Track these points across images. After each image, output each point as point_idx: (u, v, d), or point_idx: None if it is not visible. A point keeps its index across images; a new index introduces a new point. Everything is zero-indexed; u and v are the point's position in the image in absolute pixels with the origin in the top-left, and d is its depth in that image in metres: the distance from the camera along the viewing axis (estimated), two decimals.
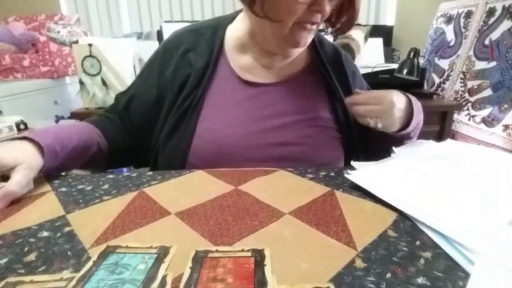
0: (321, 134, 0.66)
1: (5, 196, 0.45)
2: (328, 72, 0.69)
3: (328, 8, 0.54)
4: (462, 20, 1.69)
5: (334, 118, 0.68)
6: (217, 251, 0.35)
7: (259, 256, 0.33)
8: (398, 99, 0.60)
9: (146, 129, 0.69)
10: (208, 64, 0.65)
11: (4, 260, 0.34)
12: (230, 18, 0.70)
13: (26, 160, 0.48)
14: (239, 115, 0.64)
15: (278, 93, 0.66)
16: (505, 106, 1.38)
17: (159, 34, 1.93)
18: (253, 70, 0.67)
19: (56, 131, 0.58)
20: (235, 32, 0.68)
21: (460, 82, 1.63)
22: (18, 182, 0.46)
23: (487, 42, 1.51)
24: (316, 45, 0.70)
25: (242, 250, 0.34)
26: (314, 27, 0.59)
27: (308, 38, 0.60)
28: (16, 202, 0.47)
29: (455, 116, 1.59)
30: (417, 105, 0.64)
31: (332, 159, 0.67)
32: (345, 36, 1.52)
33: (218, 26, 0.69)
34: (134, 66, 1.56)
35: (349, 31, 0.64)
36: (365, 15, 2.50)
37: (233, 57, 0.67)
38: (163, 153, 0.65)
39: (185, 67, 0.66)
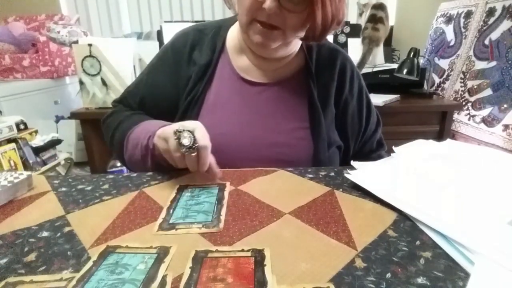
0: (309, 136, 0.65)
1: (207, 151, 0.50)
2: (312, 76, 0.68)
3: (271, 4, 0.52)
4: (462, 20, 1.69)
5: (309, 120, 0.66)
6: (217, 251, 0.35)
7: (259, 256, 0.33)
8: None
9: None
10: (210, 62, 0.67)
11: (4, 260, 0.34)
12: (233, 20, 0.72)
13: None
14: (236, 112, 0.65)
15: (272, 93, 0.67)
16: (505, 106, 1.38)
17: (159, 34, 1.93)
18: (250, 70, 0.68)
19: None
20: (235, 33, 0.70)
21: (460, 82, 1.62)
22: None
23: (487, 42, 1.51)
24: (311, 48, 0.69)
25: (242, 250, 0.35)
26: (267, 29, 0.56)
27: (265, 39, 0.58)
28: (16, 202, 0.47)
29: (455, 116, 1.59)
30: None
31: (304, 158, 0.65)
32: (375, 27, 1.54)
33: (221, 26, 0.71)
34: (134, 66, 1.56)
35: (319, 41, 0.62)
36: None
37: (233, 56, 0.69)
38: None
39: (190, 64, 0.68)
